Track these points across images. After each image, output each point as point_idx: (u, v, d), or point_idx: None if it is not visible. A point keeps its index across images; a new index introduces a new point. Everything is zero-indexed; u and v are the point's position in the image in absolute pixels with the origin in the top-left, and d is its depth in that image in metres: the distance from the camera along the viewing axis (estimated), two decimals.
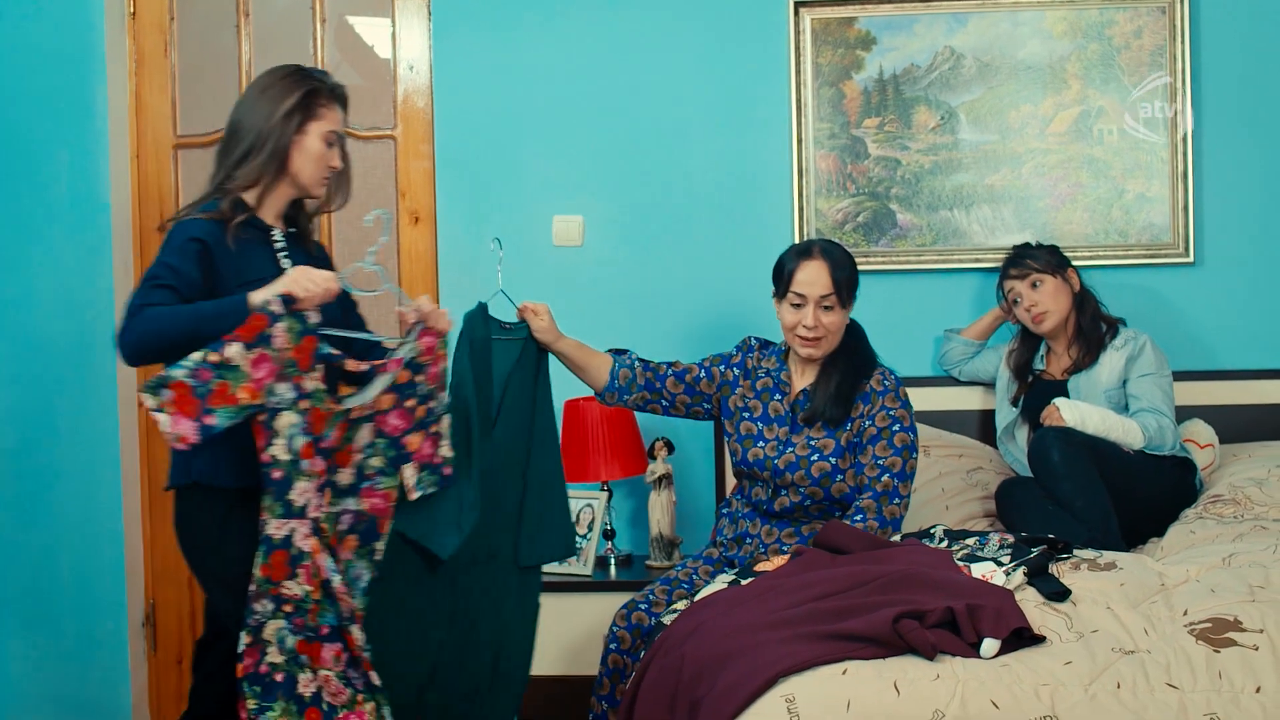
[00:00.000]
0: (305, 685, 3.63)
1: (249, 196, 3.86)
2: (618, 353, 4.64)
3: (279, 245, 3.90)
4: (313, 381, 3.62)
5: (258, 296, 3.57)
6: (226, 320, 3.54)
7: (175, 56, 5.72)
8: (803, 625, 3.44)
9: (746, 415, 4.51)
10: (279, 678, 3.61)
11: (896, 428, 4.33)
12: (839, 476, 4.33)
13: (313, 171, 3.90)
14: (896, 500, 4.26)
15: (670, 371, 4.59)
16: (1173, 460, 4.80)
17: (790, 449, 4.39)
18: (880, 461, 4.28)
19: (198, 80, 5.75)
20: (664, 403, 4.60)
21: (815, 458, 4.34)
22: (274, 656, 3.61)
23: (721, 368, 4.59)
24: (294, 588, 3.58)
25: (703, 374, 4.58)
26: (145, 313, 3.56)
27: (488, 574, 4.24)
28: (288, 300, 3.54)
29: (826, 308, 4.36)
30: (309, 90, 3.87)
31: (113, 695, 5.67)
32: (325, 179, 3.95)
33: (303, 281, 3.58)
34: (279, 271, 3.78)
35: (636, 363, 4.59)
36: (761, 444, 4.44)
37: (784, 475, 4.37)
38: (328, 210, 4.13)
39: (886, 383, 4.40)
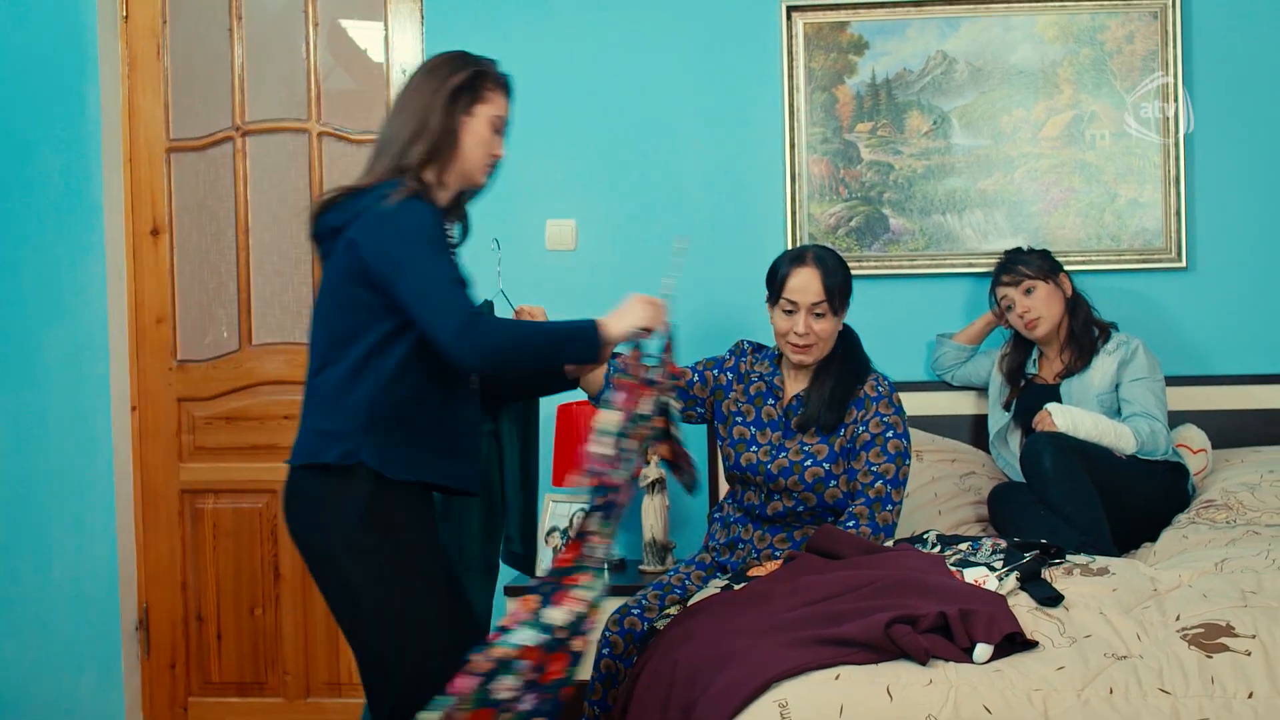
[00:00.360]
0: None
1: (428, 178, 3.66)
2: (613, 357, 4.63)
3: (453, 243, 3.76)
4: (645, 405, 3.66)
5: (615, 328, 3.59)
6: (577, 345, 3.56)
7: (168, 60, 5.72)
8: (796, 630, 3.44)
9: (739, 420, 4.51)
10: None
11: (890, 434, 4.32)
12: (832, 482, 4.32)
13: (479, 157, 3.72)
14: (889, 507, 4.25)
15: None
16: (1165, 465, 4.80)
17: (784, 454, 4.38)
18: (873, 468, 4.28)
19: (190, 84, 5.76)
20: None
21: (809, 463, 4.33)
22: None
23: (714, 372, 4.58)
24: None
25: (695, 378, 4.58)
26: (489, 323, 3.47)
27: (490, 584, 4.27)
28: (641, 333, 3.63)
29: (818, 315, 4.35)
30: (477, 72, 3.70)
31: (106, 699, 5.67)
32: (489, 167, 3.77)
33: (656, 314, 3.64)
34: None
35: None
36: (755, 448, 4.44)
37: (777, 480, 4.37)
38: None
39: (880, 389, 4.40)
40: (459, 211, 3.84)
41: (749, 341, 4.65)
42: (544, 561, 5.16)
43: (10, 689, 5.67)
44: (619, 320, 3.59)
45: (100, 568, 5.66)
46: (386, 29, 5.68)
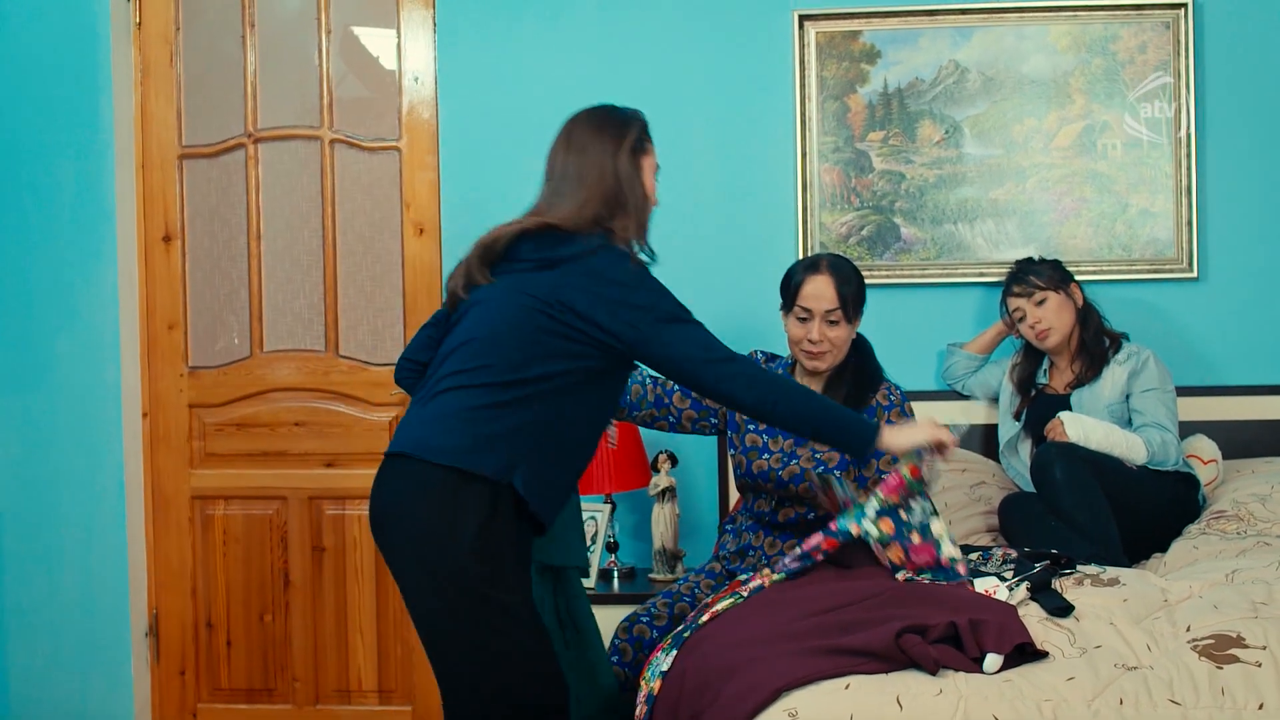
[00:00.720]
0: None
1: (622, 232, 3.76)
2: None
3: None
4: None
5: (893, 442, 3.76)
6: (850, 438, 3.74)
7: (180, 66, 5.73)
8: (806, 639, 3.44)
9: (751, 427, 4.51)
10: None
11: None
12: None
13: (648, 208, 3.84)
14: None
15: (677, 386, 4.58)
16: (1176, 475, 4.80)
17: (794, 460, 4.38)
18: (884, 475, 4.27)
19: (203, 90, 5.76)
20: (670, 419, 4.60)
21: (818, 469, 4.33)
22: None
23: None
24: None
25: None
26: (751, 365, 3.68)
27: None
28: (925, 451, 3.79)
29: (832, 322, 4.36)
30: (643, 126, 3.87)
31: (115, 705, 5.68)
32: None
33: (946, 437, 3.80)
34: None
35: (647, 379, 4.59)
36: (766, 455, 4.44)
37: (787, 487, 4.37)
38: None
39: (892, 397, 4.40)
40: None
41: (762, 351, 4.65)
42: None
43: (21, 694, 5.68)
44: (900, 436, 3.77)
45: (110, 573, 5.67)
46: (399, 36, 5.68)
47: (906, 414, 4.38)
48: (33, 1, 5.64)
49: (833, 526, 3.89)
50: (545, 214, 3.74)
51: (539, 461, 3.59)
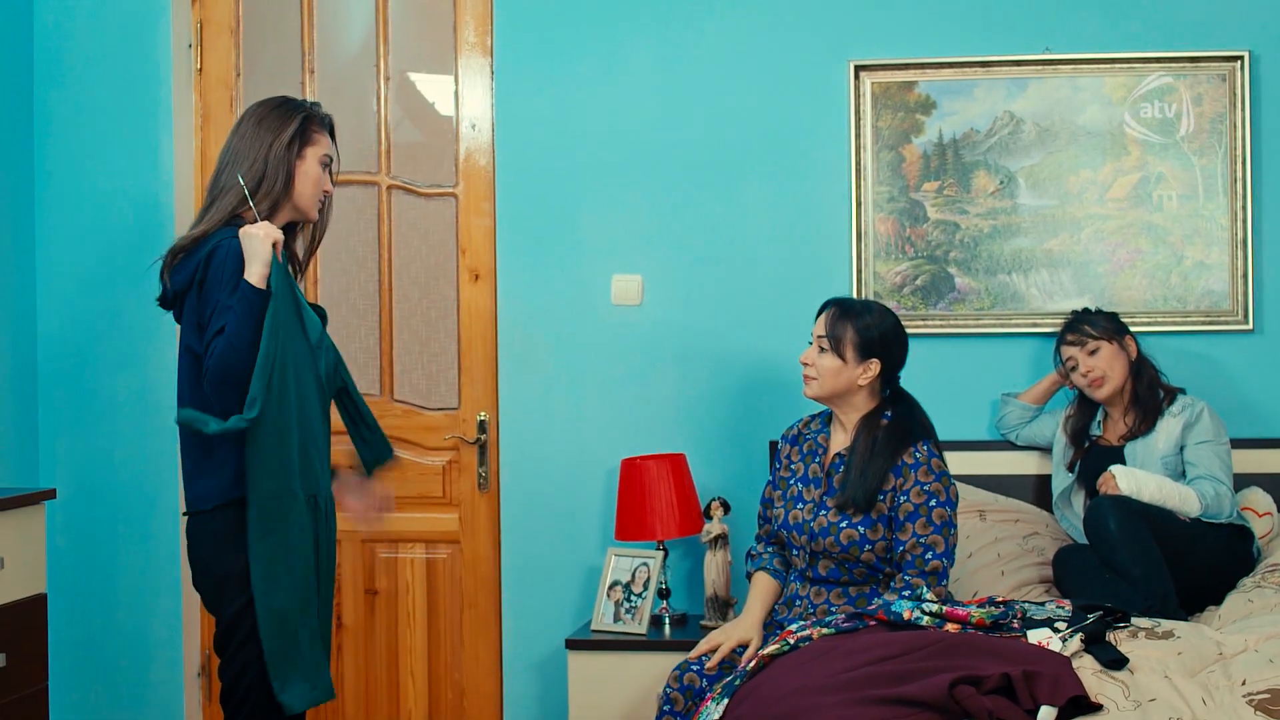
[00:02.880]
0: None
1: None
2: (759, 560, 4.64)
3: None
4: None
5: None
6: None
7: (240, 112, 5.78)
8: (860, 689, 3.44)
9: (789, 478, 4.55)
10: None
11: (934, 503, 4.29)
12: (867, 546, 4.31)
13: (311, 194, 4.12)
14: (944, 581, 4.25)
15: (767, 515, 4.67)
16: (1230, 528, 4.78)
17: (823, 512, 4.39)
18: (922, 540, 4.25)
19: None
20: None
21: (844, 524, 4.32)
22: None
23: (779, 465, 4.66)
24: None
25: (777, 489, 4.64)
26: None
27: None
28: None
29: (820, 349, 4.46)
30: (305, 117, 4.11)
31: None
32: (320, 201, 4.17)
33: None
34: None
35: (766, 550, 4.63)
36: (800, 506, 4.45)
37: (817, 540, 4.37)
38: (312, 243, 4.33)
39: (918, 454, 4.36)
40: (302, 246, 4.32)
41: (800, 419, 4.71)
42: (604, 616, 5.19)
43: None
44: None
45: (164, 613, 5.71)
46: (457, 84, 5.73)
47: (935, 472, 4.34)
48: (96, 48, 5.73)
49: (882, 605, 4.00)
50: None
51: None
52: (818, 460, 4.52)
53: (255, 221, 3.94)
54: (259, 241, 3.82)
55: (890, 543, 4.33)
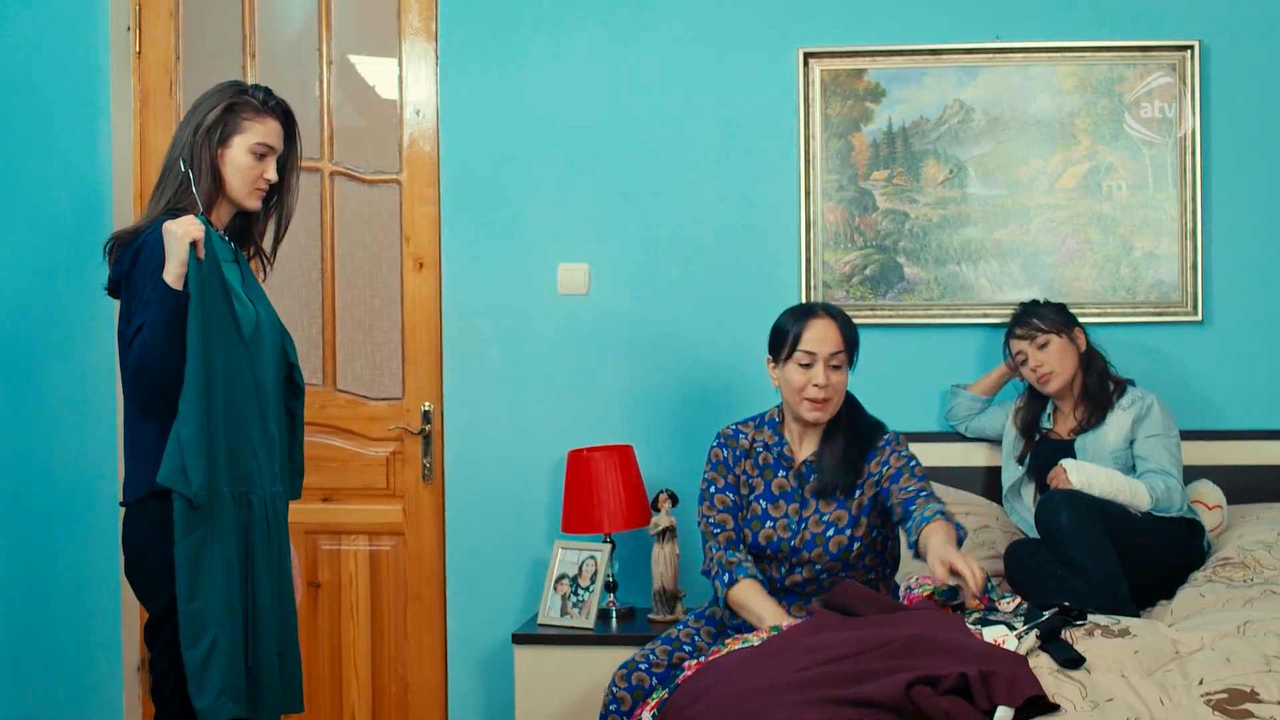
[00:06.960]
0: None
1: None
2: (738, 569, 4.45)
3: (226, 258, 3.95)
4: None
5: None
6: None
7: (180, 96, 5.70)
8: (814, 689, 3.40)
9: (752, 495, 4.43)
10: None
11: (913, 463, 4.29)
12: (855, 545, 4.27)
13: (240, 184, 3.95)
14: (943, 510, 4.16)
15: (736, 525, 4.42)
16: (1180, 522, 4.77)
17: (804, 526, 4.31)
18: (913, 485, 4.21)
19: None
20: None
21: (830, 533, 4.27)
22: None
23: (726, 470, 4.46)
24: None
25: (729, 494, 4.45)
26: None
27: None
28: None
29: (835, 366, 4.29)
30: (229, 105, 3.93)
31: None
32: (257, 190, 4.00)
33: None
34: None
35: (739, 556, 4.36)
36: (770, 524, 4.35)
37: (800, 554, 4.30)
38: (265, 231, 4.21)
39: (886, 438, 4.36)
40: (254, 236, 4.20)
41: (732, 425, 4.57)
42: (551, 609, 5.14)
43: None
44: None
45: (103, 607, 5.63)
46: (400, 68, 5.65)
47: (903, 447, 4.32)
48: (32, 31, 5.62)
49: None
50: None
51: None
52: (785, 473, 4.41)
53: (198, 212, 3.83)
54: (176, 240, 3.67)
55: (880, 531, 4.32)
